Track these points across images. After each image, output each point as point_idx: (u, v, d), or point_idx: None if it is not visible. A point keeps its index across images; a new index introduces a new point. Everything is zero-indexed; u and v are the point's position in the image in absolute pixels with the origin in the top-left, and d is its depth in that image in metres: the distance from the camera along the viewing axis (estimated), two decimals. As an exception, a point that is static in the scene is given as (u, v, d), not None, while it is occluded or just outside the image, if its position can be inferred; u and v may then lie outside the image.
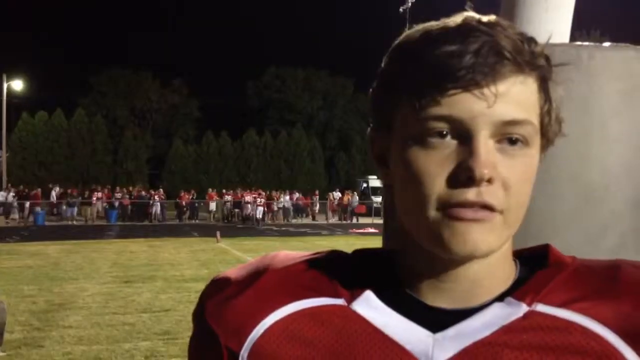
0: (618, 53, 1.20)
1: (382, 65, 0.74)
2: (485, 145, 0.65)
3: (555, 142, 0.74)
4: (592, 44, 1.23)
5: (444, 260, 0.70)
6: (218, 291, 0.79)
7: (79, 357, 7.24)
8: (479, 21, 0.67)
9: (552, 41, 1.40)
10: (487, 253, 0.68)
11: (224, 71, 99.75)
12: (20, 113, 49.02)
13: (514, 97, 0.66)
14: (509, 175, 0.66)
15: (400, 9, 41.58)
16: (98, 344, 7.76)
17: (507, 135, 0.66)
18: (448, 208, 0.66)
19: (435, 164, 0.67)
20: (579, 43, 1.24)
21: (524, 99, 0.67)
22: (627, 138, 1.20)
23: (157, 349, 7.53)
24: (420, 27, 0.71)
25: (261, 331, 0.73)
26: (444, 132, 0.66)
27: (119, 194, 36.75)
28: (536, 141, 0.69)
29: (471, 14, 0.69)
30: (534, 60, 0.67)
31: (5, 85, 44.32)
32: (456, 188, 0.66)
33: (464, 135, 0.66)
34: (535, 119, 0.68)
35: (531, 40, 0.68)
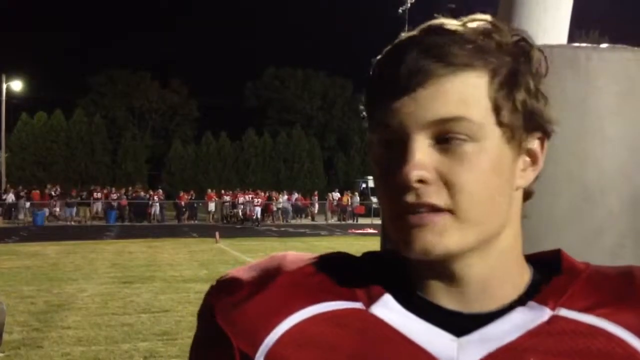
0: (615, 54, 1.20)
1: None
2: (419, 146, 0.67)
3: (551, 140, 0.74)
4: (589, 45, 1.23)
5: (439, 262, 0.70)
6: (228, 293, 0.77)
7: (78, 357, 7.23)
8: (427, 29, 0.69)
9: (550, 41, 1.41)
10: (448, 254, 0.68)
11: (223, 72, 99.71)
12: (20, 113, 49.02)
13: (444, 95, 0.66)
14: (451, 173, 0.67)
15: (400, 10, 41.64)
16: (97, 345, 7.75)
17: (444, 134, 0.67)
18: (399, 214, 0.68)
19: (383, 172, 0.70)
20: (576, 44, 1.24)
21: (460, 96, 0.67)
22: (624, 139, 1.21)
23: (156, 350, 7.52)
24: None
25: (277, 336, 0.71)
26: (387, 140, 0.69)
27: (115, 194, 36.70)
28: (488, 134, 0.68)
29: (436, 20, 0.70)
30: (482, 56, 0.68)
31: (4, 86, 44.26)
32: (398, 193, 0.67)
33: (400, 140, 0.68)
34: (477, 113, 0.67)
35: (483, 34, 0.69)
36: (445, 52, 0.66)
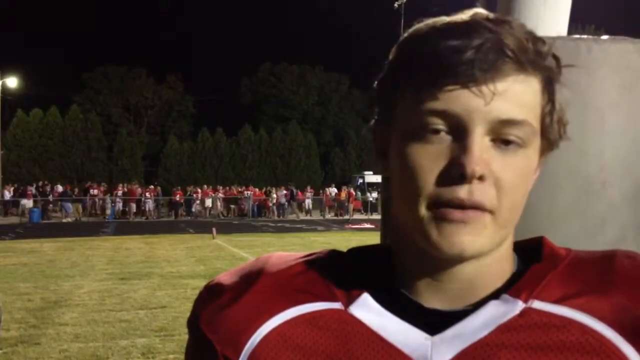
0: (616, 46, 1.20)
1: (390, 57, 0.73)
2: (480, 142, 0.65)
3: (559, 145, 0.73)
4: (590, 37, 1.23)
5: (436, 259, 0.69)
6: (212, 299, 0.78)
7: (75, 354, 7.23)
8: (487, 18, 0.67)
9: (550, 33, 1.40)
10: (477, 254, 0.67)
11: (219, 68, 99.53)
12: (15, 110, 48.88)
13: (513, 96, 0.65)
14: (502, 175, 0.66)
15: (396, 5, 41.62)
16: (95, 341, 7.76)
17: (504, 135, 0.66)
18: (438, 207, 0.66)
19: (428, 159, 0.66)
20: (577, 36, 1.23)
21: (524, 99, 0.66)
22: (625, 131, 1.20)
23: (153, 346, 7.52)
24: (430, 21, 0.70)
25: (258, 339, 0.72)
26: (440, 128, 0.66)
27: (96, 190, 36.66)
28: (534, 143, 0.69)
29: (481, 10, 0.69)
30: (540, 61, 0.67)
31: (-1, 83, 44.15)
32: (448, 185, 0.65)
33: (459, 131, 0.65)
34: (534, 121, 0.68)
35: (539, 40, 0.68)
36: (519, 51, 0.65)
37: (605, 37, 1.23)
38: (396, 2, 41.69)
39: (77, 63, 74.70)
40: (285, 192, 39.09)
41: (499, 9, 1.46)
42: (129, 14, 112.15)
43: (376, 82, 0.75)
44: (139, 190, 37.21)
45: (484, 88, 0.64)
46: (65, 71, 72.05)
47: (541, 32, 1.41)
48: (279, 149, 56.20)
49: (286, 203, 37.84)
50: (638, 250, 1.18)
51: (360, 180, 43.82)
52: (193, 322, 0.79)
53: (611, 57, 1.19)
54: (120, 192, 36.19)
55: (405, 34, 0.72)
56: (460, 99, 0.65)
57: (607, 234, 1.19)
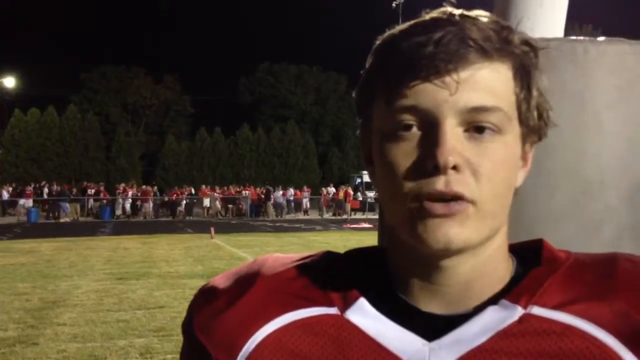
0: (613, 47, 1.20)
1: (366, 65, 0.74)
2: (452, 133, 0.65)
3: (548, 135, 0.73)
4: (586, 38, 1.23)
5: (427, 257, 0.69)
6: (207, 303, 0.77)
7: (73, 354, 7.22)
8: (451, 14, 0.67)
9: (547, 35, 1.40)
10: (464, 247, 0.66)
11: (217, 67, 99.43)
12: (13, 110, 48.85)
13: (479, 83, 0.65)
14: (479, 163, 0.65)
15: (393, 4, 41.67)
16: (93, 341, 7.74)
17: (476, 123, 0.66)
18: (420, 201, 0.65)
19: (403, 156, 0.66)
20: (573, 37, 1.24)
21: (492, 86, 0.66)
22: (622, 132, 1.21)
23: (152, 346, 7.51)
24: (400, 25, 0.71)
25: (253, 345, 0.72)
26: (412, 124, 0.66)
27: (93, 189, 36.64)
28: (511, 129, 0.68)
29: (446, 8, 0.69)
30: (506, 47, 0.67)
31: (-3, 83, 44.08)
32: (424, 179, 0.65)
33: (430, 125, 0.65)
34: (508, 107, 0.67)
35: (505, 29, 0.68)
36: (482, 40, 0.65)
37: (601, 38, 1.23)
38: (394, 2, 41.76)
39: (75, 63, 74.63)
40: (282, 192, 39.09)
41: (496, 10, 1.47)
42: (128, 13, 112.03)
43: (354, 92, 0.75)
44: (136, 190, 37.28)
45: (447, 79, 0.64)
46: (62, 71, 71.91)
47: (537, 33, 1.42)
48: (277, 148, 56.22)
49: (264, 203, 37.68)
50: (635, 250, 1.19)
51: (359, 180, 43.80)
52: (187, 326, 0.78)
53: (607, 58, 1.19)
54: (124, 192, 36.19)
55: (378, 41, 0.72)
56: (427, 93, 0.65)
57: (604, 234, 1.20)
